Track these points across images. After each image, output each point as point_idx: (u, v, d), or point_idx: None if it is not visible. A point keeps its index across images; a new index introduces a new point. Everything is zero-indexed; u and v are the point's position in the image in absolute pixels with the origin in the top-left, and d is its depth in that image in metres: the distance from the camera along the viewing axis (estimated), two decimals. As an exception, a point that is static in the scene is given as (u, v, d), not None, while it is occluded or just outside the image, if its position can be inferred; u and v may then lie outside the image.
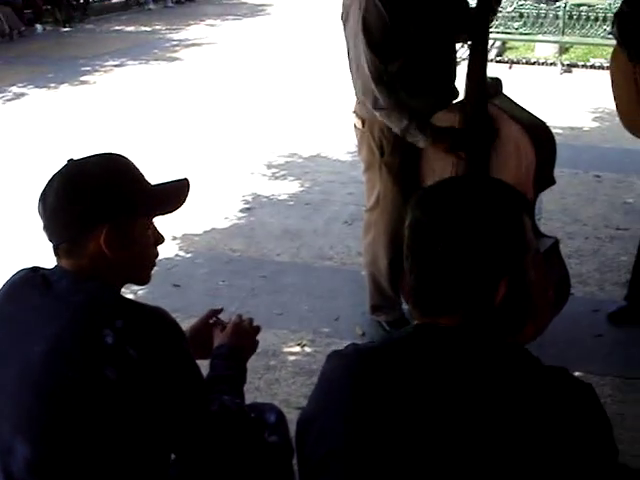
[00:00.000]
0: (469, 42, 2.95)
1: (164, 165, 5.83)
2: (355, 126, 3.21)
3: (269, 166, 5.97)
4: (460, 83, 3.08)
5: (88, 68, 9.99)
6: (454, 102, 3.10)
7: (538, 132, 2.89)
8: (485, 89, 2.88)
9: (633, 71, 3.25)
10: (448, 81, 3.11)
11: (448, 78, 3.11)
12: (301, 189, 5.47)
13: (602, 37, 9.61)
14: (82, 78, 9.42)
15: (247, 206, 5.13)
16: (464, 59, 3.13)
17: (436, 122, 2.98)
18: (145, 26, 13.95)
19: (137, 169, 1.63)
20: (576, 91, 8.62)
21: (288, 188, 5.47)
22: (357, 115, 3.17)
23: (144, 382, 1.44)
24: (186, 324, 3.59)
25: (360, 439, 1.18)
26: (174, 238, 4.45)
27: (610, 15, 9.43)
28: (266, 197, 5.30)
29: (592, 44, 9.95)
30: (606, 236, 4.61)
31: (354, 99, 3.17)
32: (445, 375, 1.18)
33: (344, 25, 3.04)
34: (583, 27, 9.63)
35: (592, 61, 10.00)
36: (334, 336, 3.52)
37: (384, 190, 3.19)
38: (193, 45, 11.74)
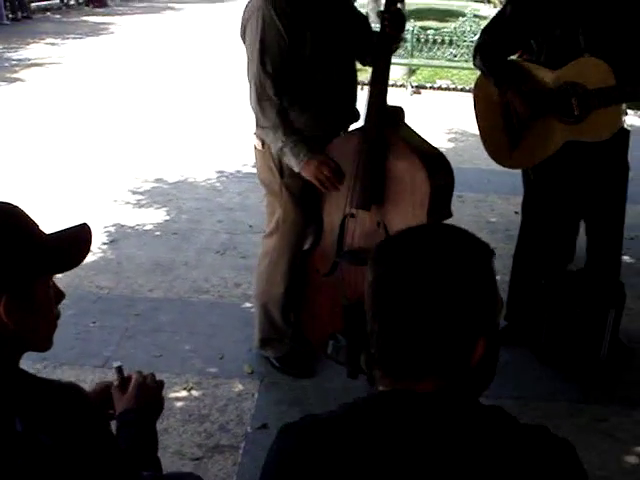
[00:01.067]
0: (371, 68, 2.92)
1: (15, 198, 5.43)
2: (255, 147, 3.11)
3: (133, 192, 5.70)
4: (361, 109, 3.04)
5: None
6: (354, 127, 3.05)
7: (434, 163, 2.87)
8: (384, 115, 2.83)
9: (499, 100, 3.30)
10: (346, 102, 3.04)
11: (346, 99, 3.04)
12: (167, 218, 5.24)
13: (447, 59, 9.99)
14: None
15: (111, 238, 4.84)
16: (365, 84, 3.08)
17: (335, 147, 2.94)
18: (-22, 44, 13.11)
19: (28, 219, 1.41)
20: (427, 112, 8.86)
21: (153, 217, 5.23)
22: (257, 136, 3.07)
23: (59, 468, 1.25)
24: (58, 373, 3.35)
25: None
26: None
27: (455, 38, 9.83)
28: (131, 227, 5.03)
29: (438, 66, 10.32)
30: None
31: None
32: (428, 447, 1.08)
33: (243, 41, 2.93)
34: (430, 50, 9.96)
35: (438, 82, 10.40)
36: (221, 376, 3.35)
37: (284, 214, 3.09)
38: (35, 65, 11.11)
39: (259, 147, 3.06)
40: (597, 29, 3.07)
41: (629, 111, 5.70)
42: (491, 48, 3.29)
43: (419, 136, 3.00)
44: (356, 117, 3.03)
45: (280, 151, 2.86)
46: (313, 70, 2.87)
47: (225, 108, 8.51)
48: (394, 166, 2.87)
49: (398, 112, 2.96)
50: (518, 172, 3.62)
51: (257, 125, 2.90)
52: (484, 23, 10.49)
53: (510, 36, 3.26)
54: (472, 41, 10.05)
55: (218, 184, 6.01)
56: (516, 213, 4.72)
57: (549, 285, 3.54)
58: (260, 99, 2.82)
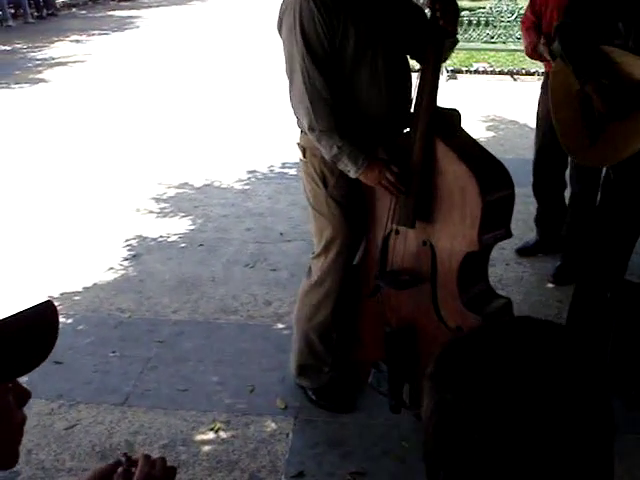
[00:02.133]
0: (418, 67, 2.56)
1: (32, 206, 5.16)
2: (300, 159, 2.80)
3: (157, 200, 5.38)
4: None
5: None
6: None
7: (488, 174, 2.50)
8: (434, 122, 2.47)
9: (577, 90, 2.92)
10: (397, 104, 2.67)
11: (397, 101, 2.67)
12: (193, 227, 4.92)
13: (484, 41, 9.53)
14: None
15: (133, 252, 4.53)
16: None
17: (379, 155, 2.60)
18: (4, 44, 12.91)
19: None
20: (464, 99, 8.38)
21: (178, 227, 4.91)
22: (299, 145, 2.76)
23: None
24: (73, 414, 3.05)
25: None
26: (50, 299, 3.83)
27: (492, 19, 9.36)
28: (154, 240, 4.72)
29: (474, 49, 9.84)
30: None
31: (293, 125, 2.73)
32: None
33: (280, 35, 2.61)
34: (466, 31, 9.49)
35: (475, 66, 9.91)
36: (251, 413, 3.02)
37: (333, 231, 2.76)
38: (59, 64, 10.86)
39: (301, 156, 2.76)
40: None
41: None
42: (572, 31, 2.86)
43: (476, 143, 2.63)
44: (407, 121, 2.64)
45: (335, 157, 2.53)
46: (358, 69, 2.53)
47: (252, 104, 8.18)
48: (443, 179, 2.51)
49: (452, 117, 2.58)
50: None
51: (307, 129, 2.55)
52: (521, 2, 10.05)
53: (594, 17, 2.83)
54: (509, 21, 9.57)
55: (247, 187, 5.67)
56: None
57: (616, 298, 3.15)
58: (312, 99, 2.48)
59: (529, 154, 4.66)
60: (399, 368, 2.79)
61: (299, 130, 2.74)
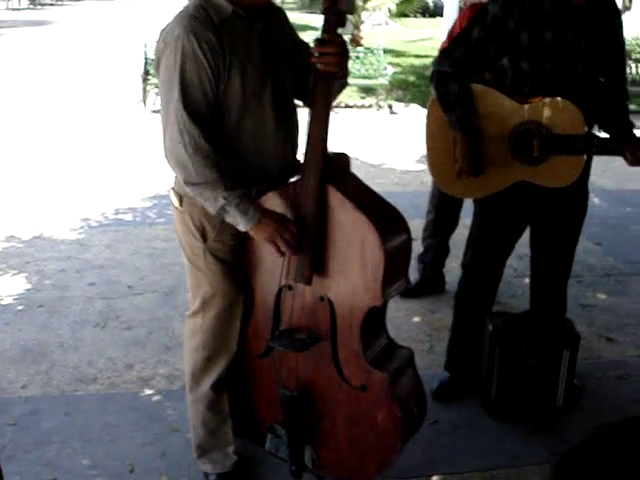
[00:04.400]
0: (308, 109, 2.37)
1: None
2: (172, 204, 2.50)
3: (-21, 258, 4.83)
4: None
5: None
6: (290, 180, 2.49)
7: (387, 223, 2.37)
8: (325, 167, 2.31)
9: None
10: (284, 151, 2.47)
11: (284, 147, 2.47)
12: (27, 286, 4.44)
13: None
14: None
15: (-39, 321, 4.02)
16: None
17: (266, 205, 2.39)
18: None
19: None
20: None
21: (10, 287, 4.41)
22: (174, 191, 2.46)
23: None
24: None
25: None
26: None
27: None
28: (-16, 303, 4.22)
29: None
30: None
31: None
32: None
33: (157, 75, 2.33)
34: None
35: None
36: (136, 498, 2.70)
37: (211, 288, 2.49)
38: None
39: (176, 205, 2.46)
40: (564, 64, 2.76)
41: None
42: (450, 78, 2.87)
43: (368, 189, 2.50)
44: (296, 169, 2.45)
45: (222, 209, 2.27)
46: (243, 116, 2.31)
47: (79, 140, 7.71)
48: (339, 229, 2.34)
49: (343, 162, 2.44)
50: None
51: (185, 183, 2.28)
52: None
53: (474, 63, 2.86)
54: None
55: (82, 236, 5.24)
56: (413, 240, 4.36)
57: (496, 331, 3.15)
58: (191, 151, 2.21)
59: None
60: (299, 432, 2.60)
61: (173, 175, 2.46)
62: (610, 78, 2.89)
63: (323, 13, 2.24)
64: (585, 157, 2.83)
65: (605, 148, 2.79)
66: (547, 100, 2.74)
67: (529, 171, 2.85)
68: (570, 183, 2.80)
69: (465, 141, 2.86)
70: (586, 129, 2.71)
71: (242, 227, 2.32)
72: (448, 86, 2.84)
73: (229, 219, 2.31)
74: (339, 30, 2.24)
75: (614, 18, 2.85)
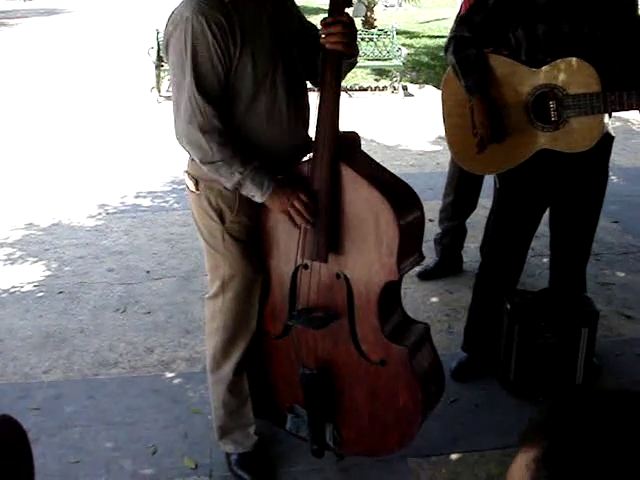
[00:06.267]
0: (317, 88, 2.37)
1: None
2: (188, 188, 2.51)
3: (0, 246, 4.87)
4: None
5: None
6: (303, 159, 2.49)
7: (400, 199, 2.38)
8: (336, 146, 2.31)
9: (467, 100, 2.92)
10: (296, 130, 2.47)
11: (296, 127, 2.47)
12: (47, 273, 4.48)
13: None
14: None
15: (-18, 309, 4.06)
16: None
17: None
18: None
19: None
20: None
21: (30, 274, 4.45)
22: (189, 175, 2.47)
23: None
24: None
25: None
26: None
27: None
28: (5, 291, 4.25)
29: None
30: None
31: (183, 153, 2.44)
32: None
33: (166, 59, 2.34)
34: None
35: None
36: (160, 478, 2.73)
37: (230, 269, 2.50)
38: None
39: (192, 188, 2.47)
40: (582, 27, 2.70)
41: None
42: (469, 43, 2.85)
43: (379, 166, 2.50)
44: (309, 148, 2.46)
45: (238, 184, 2.28)
46: (257, 96, 2.31)
47: (95, 129, 7.74)
48: (353, 206, 2.36)
49: (353, 139, 2.44)
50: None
51: (201, 162, 2.29)
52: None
53: (491, 30, 2.84)
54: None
55: (100, 223, 5.28)
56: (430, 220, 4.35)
57: (515, 309, 3.15)
58: (205, 130, 2.22)
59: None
60: (319, 411, 2.62)
61: (188, 157, 2.47)
62: (632, 51, 2.82)
63: None
64: (604, 119, 2.79)
65: (623, 102, 2.69)
66: (560, 61, 2.70)
67: (549, 137, 2.81)
68: (591, 145, 2.74)
69: (484, 105, 2.83)
70: (600, 87, 2.65)
71: (258, 199, 2.33)
72: (467, 50, 2.82)
73: (245, 192, 2.32)
74: (350, 11, 2.24)
75: None
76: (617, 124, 7.33)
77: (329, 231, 2.38)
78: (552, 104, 2.74)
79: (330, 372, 2.57)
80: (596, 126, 2.75)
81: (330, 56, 2.28)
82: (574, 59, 2.67)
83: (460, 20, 2.94)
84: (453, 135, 3.12)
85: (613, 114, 2.89)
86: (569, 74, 2.69)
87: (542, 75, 2.76)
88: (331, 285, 2.48)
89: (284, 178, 2.40)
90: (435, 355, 2.64)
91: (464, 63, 2.84)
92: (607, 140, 2.92)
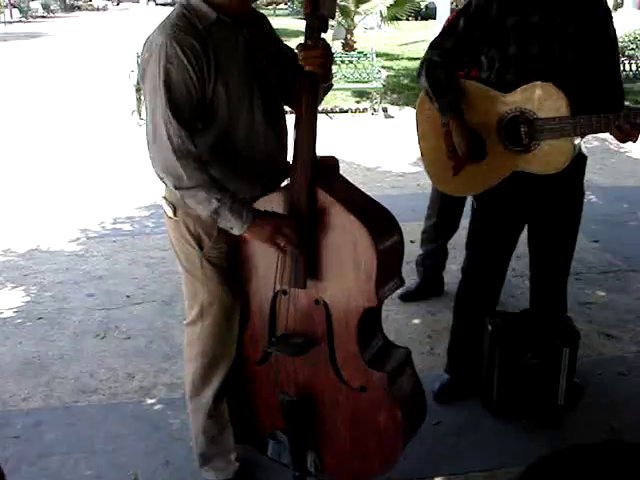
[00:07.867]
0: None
1: None
2: (165, 214, 2.49)
3: (-23, 272, 4.83)
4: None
5: None
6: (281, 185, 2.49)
7: (378, 224, 2.38)
8: (314, 171, 2.31)
9: (442, 123, 2.95)
10: (273, 156, 2.48)
11: (273, 152, 2.47)
12: (26, 299, 4.44)
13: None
14: None
15: (-39, 335, 4.01)
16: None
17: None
18: None
19: None
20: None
21: (9, 300, 4.41)
22: (167, 201, 2.45)
23: None
24: None
25: None
26: None
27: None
28: (-17, 317, 4.22)
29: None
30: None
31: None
32: None
33: (142, 84, 2.32)
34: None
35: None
36: (141, 507, 2.70)
37: (209, 295, 2.49)
38: None
39: (170, 214, 2.45)
40: (553, 48, 2.74)
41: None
42: (439, 66, 2.89)
43: (357, 190, 2.50)
44: (287, 172, 2.46)
45: (215, 212, 2.24)
46: (232, 119, 2.31)
47: (76, 151, 7.72)
48: (330, 232, 2.34)
49: (332, 164, 2.45)
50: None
51: (176, 189, 2.26)
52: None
53: (462, 53, 2.88)
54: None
55: (80, 247, 5.25)
56: (412, 242, 4.36)
57: (496, 330, 3.16)
58: (179, 154, 2.19)
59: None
60: (301, 437, 2.60)
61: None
62: (604, 73, 2.85)
63: (305, 18, 2.28)
64: (576, 142, 2.82)
65: (592, 125, 2.68)
66: (530, 85, 2.73)
67: (522, 160, 2.84)
68: (563, 168, 2.77)
69: (460, 124, 2.86)
70: (569, 110, 2.67)
71: (237, 230, 2.28)
72: (437, 73, 2.87)
73: (222, 223, 2.28)
74: (329, 34, 2.26)
75: (600, 7, 2.83)
76: (595, 143, 7.42)
77: (307, 257, 2.37)
78: (523, 128, 2.77)
79: (310, 398, 2.55)
80: (567, 149, 2.78)
81: (307, 80, 2.29)
82: (541, 83, 2.71)
83: (431, 45, 2.97)
84: (428, 156, 3.14)
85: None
86: (539, 98, 2.72)
87: (513, 99, 2.79)
88: (310, 311, 2.47)
89: (264, 201, 2.39)
90: (416, 379, 2.63)
91: (436, 86, 2.87)
92: (580, 160, 2.96)
